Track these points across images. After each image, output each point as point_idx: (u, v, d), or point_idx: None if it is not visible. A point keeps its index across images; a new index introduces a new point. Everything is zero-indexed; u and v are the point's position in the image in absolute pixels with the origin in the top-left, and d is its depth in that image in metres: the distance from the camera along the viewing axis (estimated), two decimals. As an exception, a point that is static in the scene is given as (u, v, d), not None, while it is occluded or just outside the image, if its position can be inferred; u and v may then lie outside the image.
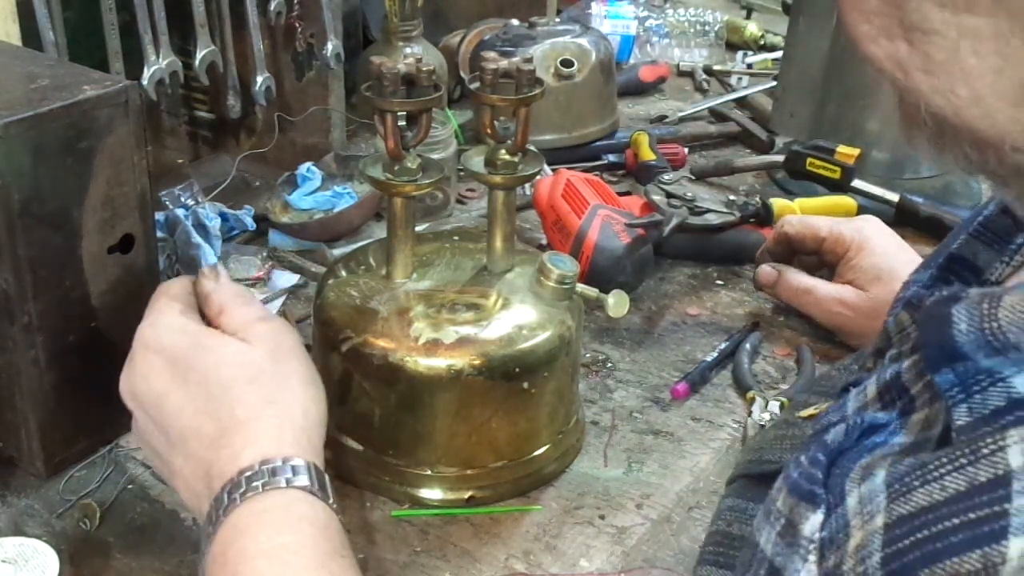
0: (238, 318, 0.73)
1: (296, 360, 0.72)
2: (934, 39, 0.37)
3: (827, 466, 0.44)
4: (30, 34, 1.04)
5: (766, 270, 1.10)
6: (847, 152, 1.27)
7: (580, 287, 0.86)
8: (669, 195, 1.18)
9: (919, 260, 0.60)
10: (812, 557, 0.42)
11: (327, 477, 0.67)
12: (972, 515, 0.34)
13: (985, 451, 0.35)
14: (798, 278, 1.07)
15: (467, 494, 0.85)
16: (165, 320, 0.73)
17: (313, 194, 1.28)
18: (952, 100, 0.37)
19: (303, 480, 0.64)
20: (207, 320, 0.75)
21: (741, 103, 1.66)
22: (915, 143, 0.41)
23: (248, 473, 0.64)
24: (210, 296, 0.75)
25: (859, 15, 0.39)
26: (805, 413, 0.68)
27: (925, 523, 0.36)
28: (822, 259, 1.09)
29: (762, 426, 0.92)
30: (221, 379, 0.68)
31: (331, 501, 0.65)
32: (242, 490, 0.63)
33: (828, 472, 0.44)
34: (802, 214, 1.21)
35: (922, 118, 0.39)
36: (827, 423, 0.48)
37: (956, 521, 0.35)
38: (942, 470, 0.37)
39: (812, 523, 0.43)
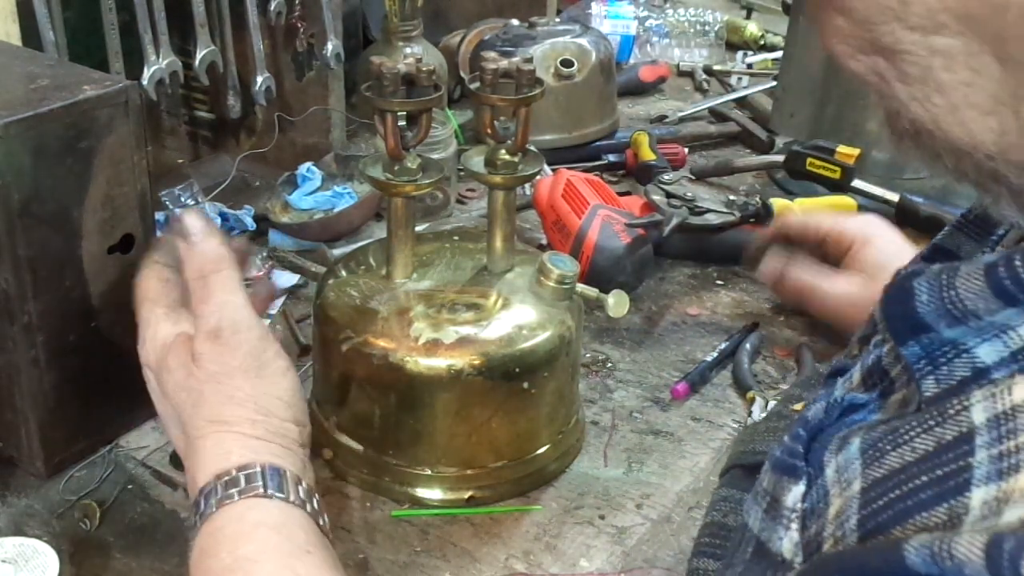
0: (196, 318, 0.72)
1: (243, 355, 0.69)
2: (907, 57, 0.38)
3: (808, 441, 0.46)
4: (30, 34, 1.04)
5: (770, 266, 1.06)
6: (847, 152, 1.27)
7: (580, 287, 0.86)
8: (669, 195, 1.18)
9: None
10: (794, 525, 0.44)
11: (287, 471, 0.66)
12: (939, 472, 0.36)
13: (951, 412, 0.37)
14: (803, 276, 1.04)
15: (467, 494, 0.85)
16: (149, 333, 0.74)
17: (313, 194, 1.28)
18: (930, 109, 0.39)
19: (255, 485, 0.65)
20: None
21: (741, 103, 1.66)
22: (902, 149, 0.42)
23: (206, 491, 0.65)
24: (187, 263, 0.73)
25: (833, 37, 0.41)
26: (798, 406, 0.69)
27: (897, 483, 0.37)
28: (824, 255, 1.07)
29: (762, 426, 0.92)
30: (178, 404, 0.71)
31: (291, 497, 0.65)
32: (201, 510, 0.65)
33: (809, 447, 0.45)
34: (803, 214, 1.21)
35: (903, 124, 0.41)
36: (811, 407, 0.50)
37: (925, 479, 0.36)
38: (912, 433, 0.38)
39: (794, 494, 0.44)
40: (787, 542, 0.44)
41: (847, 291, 1.01)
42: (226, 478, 0.65)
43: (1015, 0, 0.35)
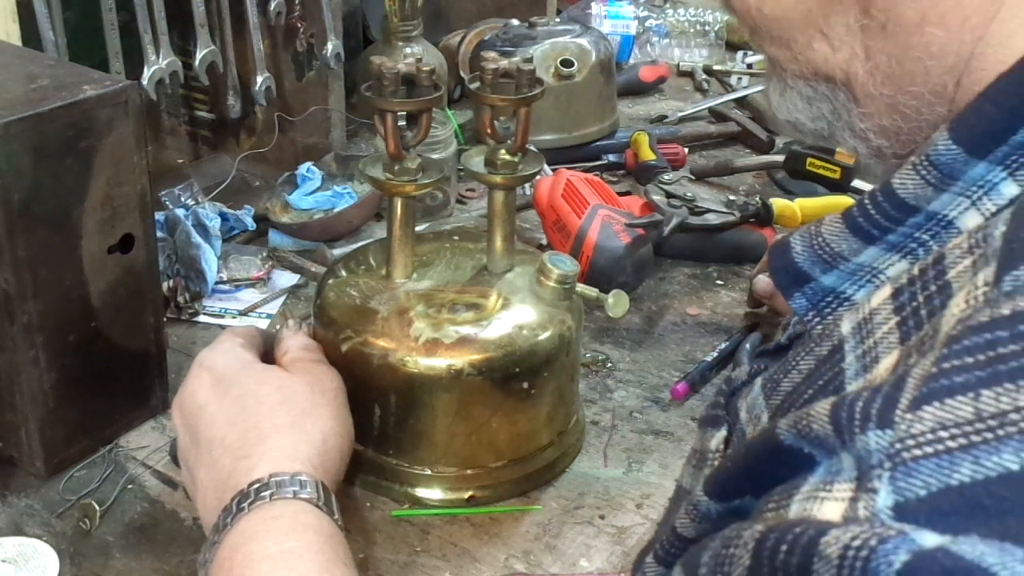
0: (294, 356, 0.79)
1: (331, 398, 0.76)
2: None
3: (729, 395, 0.50)
4: (30, 34, 1.04)
5: (763, 281, 1.07)
6: (847, 152, 1.26)
7: (580, 287, 0.86)
8: (669, 195, 1.18)
9: None
10: (717, 463, 0.48)
11: (334, 498, 0.69)
12: (820, 382, 0.39)
13: (826, 332, 0.41)
14: None
15: (467, 494, 0.85)
16: (223, 346, 0.78)
17: (313, 194, 1.28)
18: None
19: (309, 493, 0.66)
20: (271, 361, 0.80)
21: (741, 103, 1.66)
22: (771, 88, 0.48)
23: (257, 485, 0.66)
24: (283, 341, 0.81)
25: None
26: None
27: (791, 404, 0.41)
28: None
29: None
30: (256, 395, 0.73)
31: (336, 518, 0.67)
32: (250, 500, 0.65)
33: (728, 402, 0.50)
34: (802, 215, 1.21)
35: (748, 23, 0.46)
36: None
37: (810, 392, 0.39)
38: (798, 358, 0.42)
39: (717, 439, 0.49)
40: None
41: None
42: (285, 477, 0.66)
43: None
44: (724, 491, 0.41)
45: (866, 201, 0.42)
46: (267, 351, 0.82)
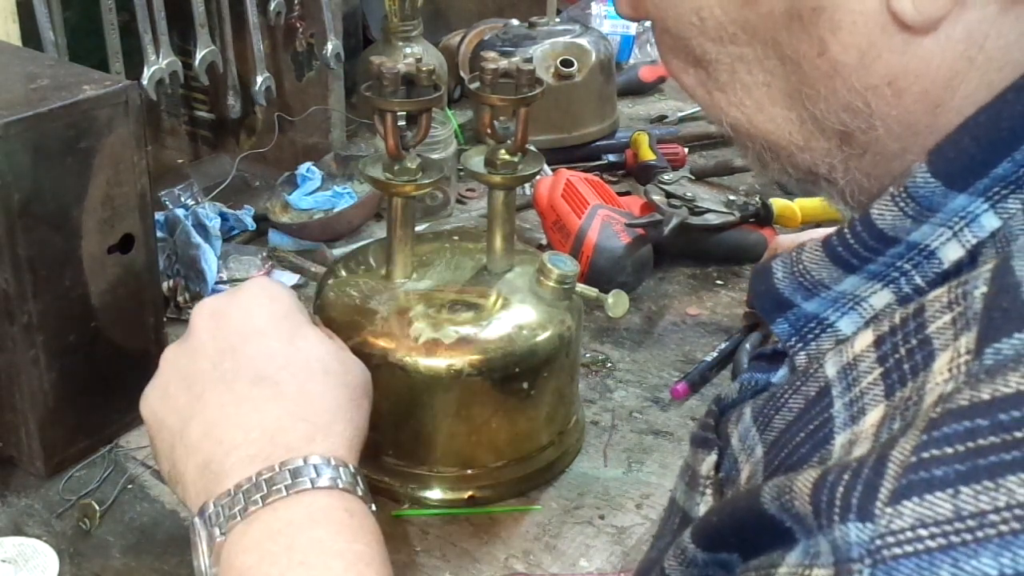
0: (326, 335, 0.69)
1: (368, 393, 0.69)
2: (716, 65, 0.45)
3: (719, 415, 0.50)
4: (30, 34, 1.04)
5: None
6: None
7: (580, 287, 0.86)
8: (669, 195, 1.18)
9: None
10: (709, 491, 0.48)
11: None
12: (811, 426, 0.39)
13: (811, 371, 0.41)
14: None
15: (467, 494, 0.85)
16: (276, 287, 0.69)
17: (313, 194, 1.28)
18: (743, 110, 0.45)
19: (369, 502, 0.60)
20: None
21: (741, 103, 1.65)
22: (754, 167, 0.48)
23: (321, 462, 0.59)
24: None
25: (668, 53, 0.47)
26: None
27: (784, 443, 0.41)
28: None
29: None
30: (325, 359, 0.65)
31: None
32: (313, 476, 0.58)
33: (719, 421, 0.50)
34: (802, 215, 1.21)
35: (726, 131, 0.47)
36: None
37: (803, 435, 0.39)
38: (787, 396, 0.42)
39: (707, 464, 0.49)
40: (703, 507, 0.48)
41: None
42: (351, 468, 0.60)
43: (776, 6, 0.41)
44: (711, 543, 0.41)
45: (845, 230, 0.42)
46: None
